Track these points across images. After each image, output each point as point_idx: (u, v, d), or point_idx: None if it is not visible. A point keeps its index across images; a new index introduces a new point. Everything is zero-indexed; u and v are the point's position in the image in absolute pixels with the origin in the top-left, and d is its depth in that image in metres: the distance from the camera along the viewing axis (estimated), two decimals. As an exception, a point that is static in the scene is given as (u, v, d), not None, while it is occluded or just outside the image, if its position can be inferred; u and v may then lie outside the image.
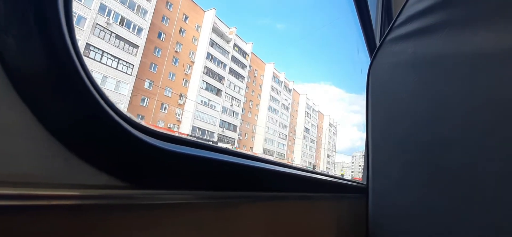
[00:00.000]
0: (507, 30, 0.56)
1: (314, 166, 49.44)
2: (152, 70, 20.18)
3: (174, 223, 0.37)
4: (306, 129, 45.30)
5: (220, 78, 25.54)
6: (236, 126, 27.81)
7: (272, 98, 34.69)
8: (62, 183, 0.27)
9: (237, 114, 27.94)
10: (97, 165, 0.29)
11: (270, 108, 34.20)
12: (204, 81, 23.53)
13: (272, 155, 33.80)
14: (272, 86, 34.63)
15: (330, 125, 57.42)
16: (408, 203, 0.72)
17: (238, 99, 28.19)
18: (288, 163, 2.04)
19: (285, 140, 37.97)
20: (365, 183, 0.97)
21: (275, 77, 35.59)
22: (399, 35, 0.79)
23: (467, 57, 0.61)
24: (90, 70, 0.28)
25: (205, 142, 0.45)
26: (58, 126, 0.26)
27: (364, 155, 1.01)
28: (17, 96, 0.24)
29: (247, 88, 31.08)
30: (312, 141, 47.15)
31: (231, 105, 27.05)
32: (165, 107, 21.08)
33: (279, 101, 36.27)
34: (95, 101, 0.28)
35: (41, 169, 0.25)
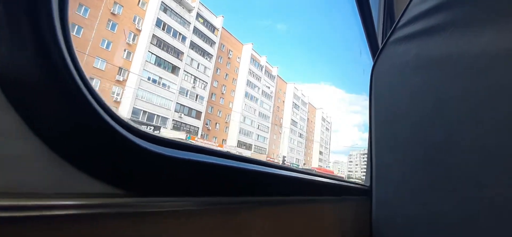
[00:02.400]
0: (511, 30, 0.55)
1: (304, 164, 45.01)
2: (74, 34, 15.71)
3: (175, 230, 0.36)
4: (294, 122, 40.84)
5: (178, 53, 21.07)
6: (201, 112, 23.32)
7: (250, 84, 30.23)
8: (57, 192, 0.26)
9: (202, 98, 23.42)
10: (93, 173, 0.28)
11: (247, 95, 29.71)
12: (152, 53, 19.02)
13: (250, 150, 29.33)
14: (250, 70, 30.17)
15: (323, 119, 52.91)
16: (412, 205, 0.72)
17: (203, 81, 23.68)
18: (287, 165, 1.00)
19: (267, 132, 33.47)
20: (368, 184, 0.96)
21: (254, 60, 31.14)
22: (402, 36, 0.79)
23: (471, 58, 0.61)
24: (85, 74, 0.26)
25: (206, 147, 0.46)
26: (51, 134, 0.25)
27: (367, 157, 1.00)
28: (8, 104, 0.23)
29: (218, 70, 26.63)
30: (300, 135, 42.68)
31: (194, 87, 22.57)
32: (95, 83, 16.56)
33: (259, 88, 31.80)
34: (91, 107, 0.27)
35: (34, 178, 0.25)
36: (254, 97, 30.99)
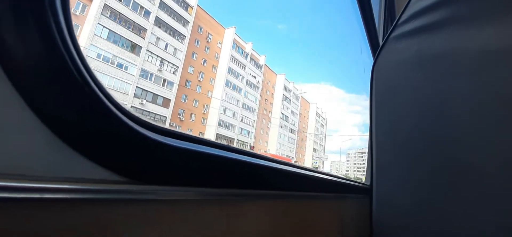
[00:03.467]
0: None
1: (295, 161, 42.22)
2: None
3: (176, 219, 0.37)
4: (284, 116, 38.01)
5: (139, 30, 18.22)
6: (169, 100, 20.49)
7: (232, 72, 27.37)
8: (59, 176, 0.26)
9: (171, 83, 20.58)
10: (95, 159, 0.29)
11: (229, 84, 26.85)
12: (104, 26, 16.16)
13: (231, 145, 26.52)
14: (232, 56, 27.30)
15: (318, 115, 50.06)
16: (413, 202, 0.72)
17: (173, 64, 20.82)
18: (288, 161, 0.83)
19: (253, 126, 30.64)
20: (368, 183, 0.96)
21: (238, 47, 28.27)
22: (404, 33, 0.79)
23: (473, 54, 0.61)
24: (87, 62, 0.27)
25: (208, 139, 0.47)
26: (55, 119, 0.26)
27: (367, 155, 1.00)
28: (13, 90, 0.23)
29: (194, 55, 23.80)
30: (292, 131, 39.86)
31: (160, 70, 19.72)
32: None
33: (243, 77, 28.94)
34: (94, 94, 0.27)
35: (37, 162, 0.25)
36: (237, 86, 28.13)
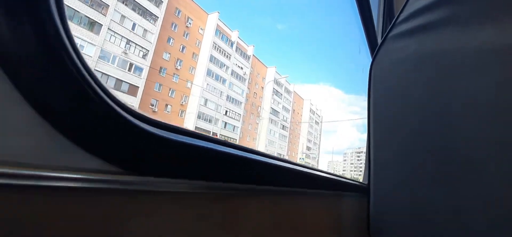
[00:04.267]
0: (511, 26, 0.56)
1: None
2: None
3: (171, 210, 0.38)
4: (275, 112, 35.90)
5: (99, 5, 16.03)
6: (137, 87, 18.30)
7: (215, 61, 25.20)
8: (54, 165, 0.27)
9: (139, 69, 18.37)
10: (91, 150, 0.29)
11: (210, 74, 24.68)
12: (52, -2, 13.91)
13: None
14: (215, 44, 25.13)
15: (312, 112, 47.97)
16: (410, 202, 0.72)
17: (142, 47, 18.62)
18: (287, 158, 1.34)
19: (239, 121, 28.49)
20: (366, 183, 0.96)
21: (222, 34, 26.11)
22: (402, 31, 0.78)
23: (472, 54, 0.61)
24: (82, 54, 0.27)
25: (205, 134, 0.48)
26: (50, 110, 0.26)
27: (365, 155, 0.99)
28: (10, 82, 0.24)
29: (171, 41, 21.62)
30: (283, 127, 37.76)
31: (125, 53, 17.52)
32: None
33: (227, 67, 26.78)
34: (90, 86, 0.28)
35: (31, 150, 0.25)
36: (221, 77, 25.96)
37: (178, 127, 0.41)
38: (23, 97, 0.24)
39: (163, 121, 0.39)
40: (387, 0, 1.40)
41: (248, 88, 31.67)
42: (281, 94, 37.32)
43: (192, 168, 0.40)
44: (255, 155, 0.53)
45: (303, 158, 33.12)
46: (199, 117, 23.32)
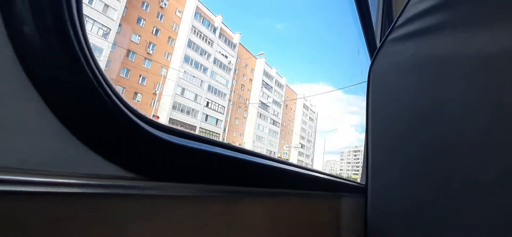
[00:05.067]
0: (508, 30, 0.57)
1: (279, 157, 37.97)
2: None
3: (180, 214, 0.39)
4: (264, 105, 33.67)
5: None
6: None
7: (194, 47, 22.88)
8: (70, 171, 0.27)
9: (99, 50, 16.03)
10: (105, 155, 0.30)
11: (188, 60, 22.38)
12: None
13: (193, 132, 22.02)
14: (195, 28, 22.84)
15: (306, 107, 45.77)
16: (407, 203, 0.73)
17: (101, 24, 16.26)
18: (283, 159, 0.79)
19: (222, 113, 26.21)
20: (363, 183, 0.98)
21: (203, 18, 23.81)
22: (400, 35, 0.80)
23: (469, 58, 0.62)
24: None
25: (211, 138, 0.51)
26: (67, 114, 0.27)
27: (363, 156, 1.01)
28: (32, 87, 0.24)
29: (142, 22, 19.32)
30: (274, 122, 35.53)
31: (80, 30, 15.16)
32: None
33: (210, 55, 24.49)
34: (106, 93, 0.28)
35: (48, 155, 0.26)
36: (202, 65, 23.67)
37: (185, 132, 0.43)
38: (44, 102, 0.25)
39: (172, 126, 0.40)
40: (386, 4, 1.41)
41: (235, 79, 29.42)
42: (271, 87, 35.04)
43: (200, 172, 0.41)
44: (254, 157, 0.54)
45: (286, 152, 30.92)
46: (174, 107, 21.03)
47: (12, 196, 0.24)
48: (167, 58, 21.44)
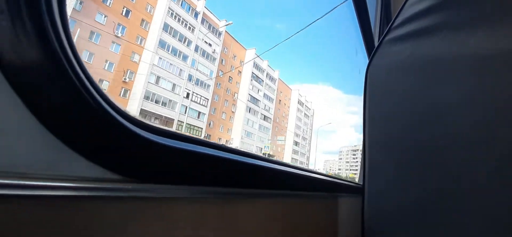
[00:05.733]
0: (505, 32, 0.58)
1: (271, 155, 35.82)
2: None
3: (171, 217, 0.38)
4: (254, 100, 31.54)
5: None
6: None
7: (171, 31, 20.75)
8: (56, 174, 0.27)
9: (50, 27, 13.83)
10: (91, 158, 0.29)
11: (164, 45, 20.23)
12: None
13: (169, 126, 19.92)
14: (172, 10, 20.68)
15: (300, 103, 43.64)
16: (404, 204, 0.74)
17: None
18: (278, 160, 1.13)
19: (206, 106, 24.08)
20: (361, 183, 0.98)
21: (182, 0, 21.65)
22: (397, 36, 0.81)
23: (465, 59, 0.63)
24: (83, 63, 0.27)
25: (203, 139, 0.51)
26: (52, 119, 0.26)
27: (361, 156, 1.00)
28: (9, 88, 0.24)
29: (108, 1, 17.14)
30: (265, 118, 33.40)
31: None
32: None
33: (190, 42, 22.35)
34: (91, 95, 0.28)
35: (36, 161, 0.25)
36: (180, 52, 21.52)
37: (178, 133, 0.42)
38: (24, 104, 0.24)
39: (163, 127, 0.39)
40: (384, 4, 1.41)
41: (222, 70, 27.31)
42: (262, 81, 32.92)
43: (191, 174, 0.40)
44: (251, 159, 0.54)
45: (267, 146, 28.73)
46: (147, 97, 18.86)
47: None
48: (141, 43, 19.29)
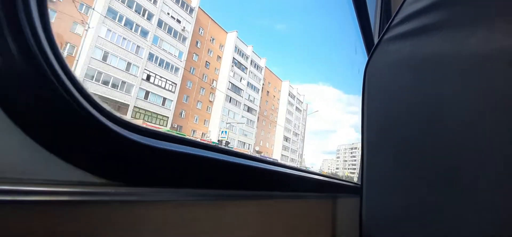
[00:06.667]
0: (506, 30, 0.57)
1: (258, 151, 32.54)
2: None
3: (158, 220, 0.37)
4: (236, 88, 28.26)
5: None
6: None
7: (126, 1, 17.42)
8: (33, 178, 0.26)
9: None
10: (71, 161, 0.28)
11: (116, 17, 16.92)
12: None
13: (123, 112, 16.65)
14: (127, -24, 17.37)
15: (292, 96, 40.35)
16: (403, 204, 0.74)
17: None
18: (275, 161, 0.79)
19: (173, 92, 20.78)
20: (359, 183, 0.98)
21: (141, -34, 18.37)
22: (397, 34, 0.80)
23: (465, 57, 0.63)
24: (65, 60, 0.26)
25: (194, 139, 0.49)
26: (29, 122, 0.25)
27: (360, 155, 1.01)
28: None
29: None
30: (249, 109, 30.12)
31: None
32: None
33: (151, 15, 19.07)
34: (70, 94, 0.26)
35: (14, 165, 0.25)
36: (137, 24, 18.21)
37: (162, 133, 0.40)
38: (2, 110, 0.23)
39: (148, 128, 0.38)
40: (384, 2, 1.40)
41: (196, 53, 24.06)
42: (246, 68, 29.63)
43: (178, 176, 0.39)
44: (245, 160, 0.53)
45: (225, 131, 25.37)
46: (91, 77, 15.56)
47: None
48: (85, 11, 16.00)
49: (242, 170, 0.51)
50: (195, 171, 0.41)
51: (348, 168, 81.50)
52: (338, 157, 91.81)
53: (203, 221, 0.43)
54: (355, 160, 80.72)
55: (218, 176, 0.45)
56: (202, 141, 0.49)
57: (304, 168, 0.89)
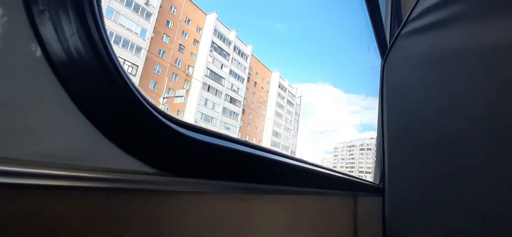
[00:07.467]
0: None
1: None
2: None
3: (201, 209, 0.40)
4: (215, 76, 25.34)
5: None
6: None
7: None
8: (93, 166, 0.28)
9: None
10: (129, 151, 0.30)
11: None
12: None
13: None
14: None
15: (282, 88, 37.38)
16: (426, 201, 0.73)
17: None
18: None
19: (134, 75, 17.84)
20: (377, 183, 0.98)
21: None
22: (415, 29, 0.79)
23: (486, 50, 0.61)
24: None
25: (226, 134, 0.51)
26: (93, 112, 0.27)
27: (377, 154, 0.99)
28: (59, 85, 0.25)
29: None
30: (231, 100, 27.19)
31: None
32: None
33: (105, -18, 16.09)
34: (130, 92, 0.29)
35: (75, 151, 0.27)
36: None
37: (206, 129, 0.44)
38: (70, 98, 0.26)
39: (190, 122, 0.41)
40: (394, 1, 1.37)
41: (167, 35, 21.13)
42: (228, 54, 26.69)
43: (220, 169, 0.41)
44: (272, 155, 0.55)
45: (167, 107, 22.77)
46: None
47: (37, 189, 0.24)
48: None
49: (272, 165, 0.52)
50: (234, 165, 0.43)
51: (345, 167, 78.83)
52: (336, 155, 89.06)
53: (239, 211, 0.45)
54: (353, 159, 78.10)
55: (252, 170, 0.47)
56: (238, 138, 0.50)
57: (325, 166, 0.89)
